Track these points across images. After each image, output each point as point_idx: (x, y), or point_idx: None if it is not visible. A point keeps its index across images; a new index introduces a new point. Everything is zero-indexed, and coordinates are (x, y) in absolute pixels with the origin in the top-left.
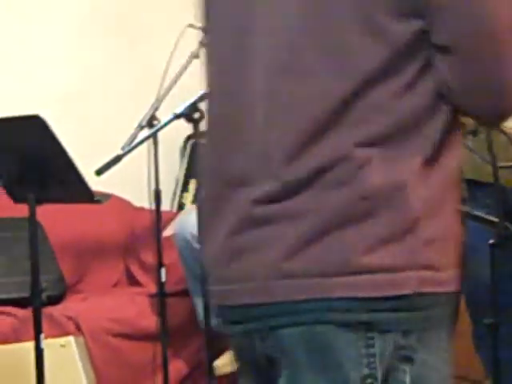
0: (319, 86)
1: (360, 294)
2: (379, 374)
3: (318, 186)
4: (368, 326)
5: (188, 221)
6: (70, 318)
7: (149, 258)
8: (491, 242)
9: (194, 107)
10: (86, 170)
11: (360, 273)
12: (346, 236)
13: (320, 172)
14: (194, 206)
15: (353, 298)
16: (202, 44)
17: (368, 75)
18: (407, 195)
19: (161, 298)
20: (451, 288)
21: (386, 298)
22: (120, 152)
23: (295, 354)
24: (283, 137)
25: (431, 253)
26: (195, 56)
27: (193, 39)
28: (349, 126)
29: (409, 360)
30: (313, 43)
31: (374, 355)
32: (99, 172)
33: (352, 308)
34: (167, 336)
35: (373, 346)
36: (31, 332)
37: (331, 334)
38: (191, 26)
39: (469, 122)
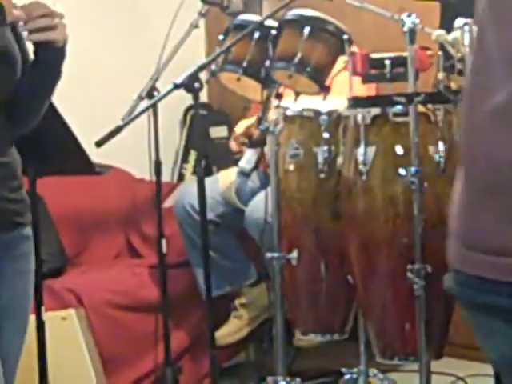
0: None
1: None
2: None
3: None
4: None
5: (188, 192)
6: (70, 291)
7: (149, 229)
8: None
9: (193, 77)
10: (87, 143)
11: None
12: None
13: None
14: (194, 177)
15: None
16: (201, 14)
17: None
18: None
19: (162, 269)
20: None
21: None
22: (120, 123)
23: None
24: None
25: None
26: (195, 26)
27: (192, 10)
28: None
29: None
30: None
31: None
32: (99, 143)
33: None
34: (168, 307)
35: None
36: (33, 305)
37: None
38: None
39: None
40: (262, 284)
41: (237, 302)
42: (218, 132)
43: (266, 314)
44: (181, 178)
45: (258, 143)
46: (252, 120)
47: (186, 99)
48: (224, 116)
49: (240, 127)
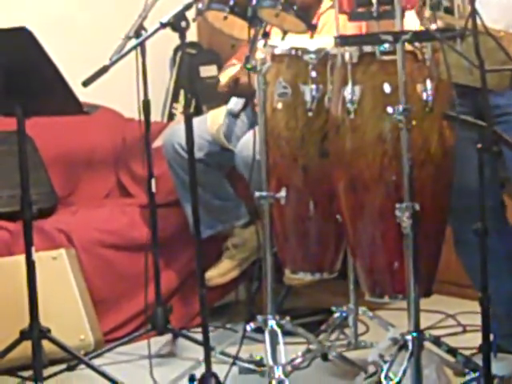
0: None
1: None
2: None
3: None
4: None
5: (176, 131)
6: (61, 231)
7: (139, 168)
8: (479, 146)
9: (179, 16)
10: (75, 83)
11: None
12: None
13: None
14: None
15: None
16: None
17: None
18: None
19: (151, 208)
20: None
21: None
22: (107, 62)
23: None
24: None
25: None
26: None
27: None
28: None
29: None
30: None
31: None
32: (85, 83)
33: None
34: (158, 246)
35: None
36: (23, 245)
37: None
38: None
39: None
40: (253, 225)
41: (229, 242)
42: (208, 71)
43: (257, 255)
44: (171, 117)
45: (244, 93)
46: (235, 69)
47: (176, 38)
48: (214, 55)
49: (224, 77)
